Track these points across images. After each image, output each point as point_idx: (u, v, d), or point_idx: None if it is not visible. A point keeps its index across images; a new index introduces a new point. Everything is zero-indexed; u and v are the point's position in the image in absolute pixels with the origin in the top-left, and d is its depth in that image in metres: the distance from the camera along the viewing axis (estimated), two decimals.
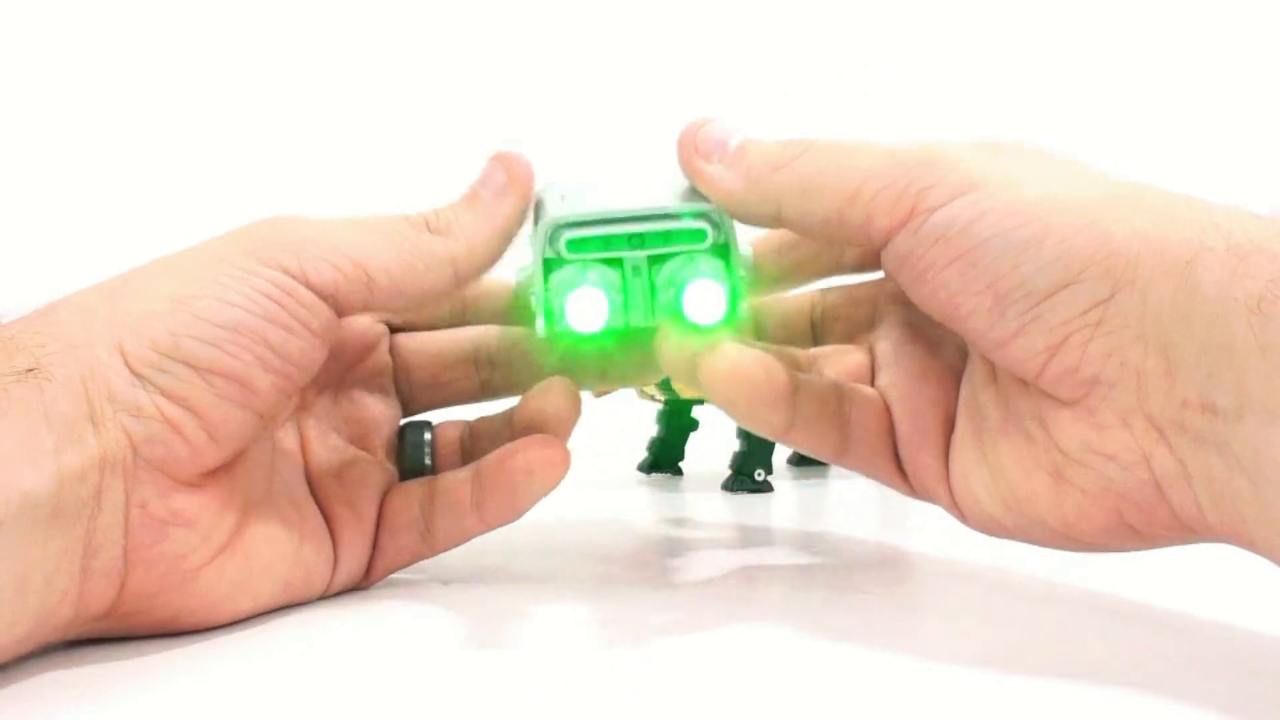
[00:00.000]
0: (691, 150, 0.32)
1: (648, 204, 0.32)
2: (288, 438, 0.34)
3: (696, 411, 0.58)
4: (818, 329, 0.37)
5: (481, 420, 0.37)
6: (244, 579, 0.30)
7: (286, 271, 0.29)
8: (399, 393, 0.37)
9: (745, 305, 0.32)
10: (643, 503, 0.53)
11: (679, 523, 0.48)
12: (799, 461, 0.62)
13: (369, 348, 0.36)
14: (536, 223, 0.33)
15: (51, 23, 0.87)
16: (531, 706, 0.25)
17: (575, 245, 0.31)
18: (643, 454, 0.60)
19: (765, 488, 0.53)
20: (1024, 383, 0.29)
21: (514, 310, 0.37)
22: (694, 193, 0.33)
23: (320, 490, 0.34)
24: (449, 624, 0.31)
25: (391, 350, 0.37)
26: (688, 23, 0.89)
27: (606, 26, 0.89)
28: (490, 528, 0.34)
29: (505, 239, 0.33)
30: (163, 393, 0.28)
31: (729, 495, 0.53)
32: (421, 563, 0.35)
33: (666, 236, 0.32)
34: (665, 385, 0.54)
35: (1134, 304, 0.26)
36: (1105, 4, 0.89)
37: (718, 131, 0.32)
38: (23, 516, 0.25)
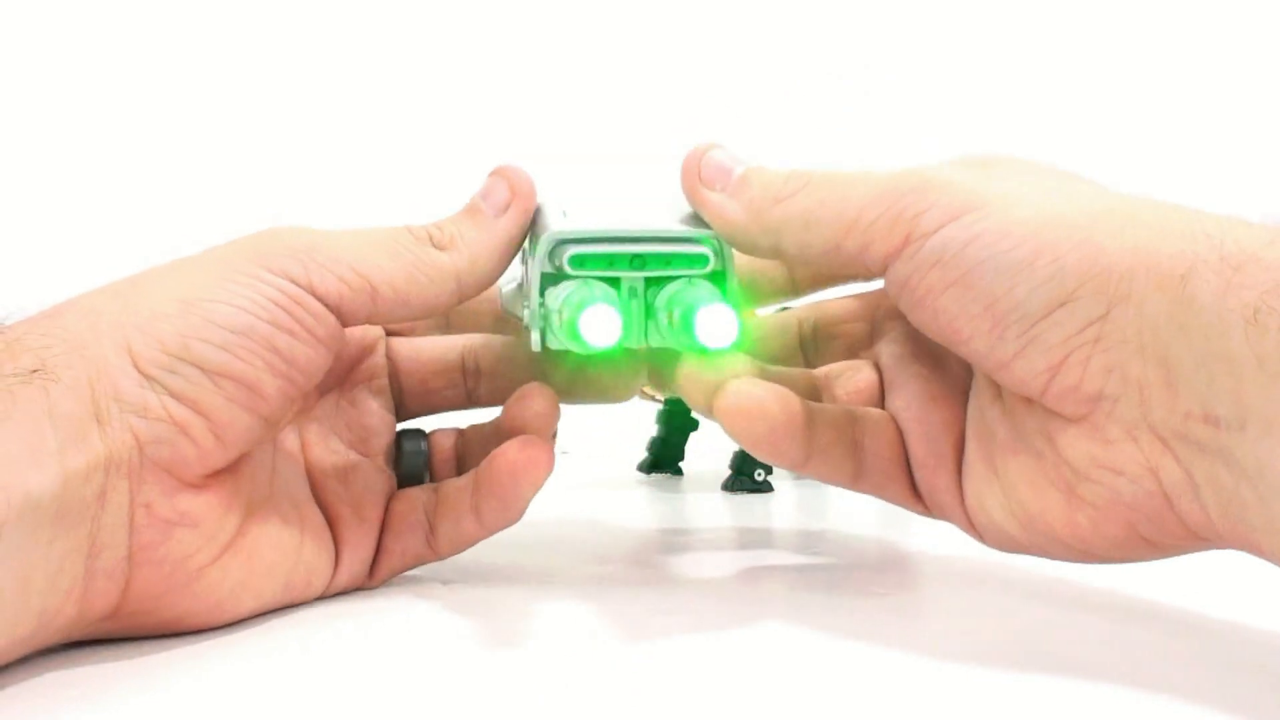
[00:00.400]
0: (695, 177, 0.32)
1: (651, 226, 0.32)
2: (288, 439, 0.34)
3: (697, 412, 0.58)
4: (808, 346, 0.37)
5: (472, 428, 0.38)
6: (247, 579, 0.30)
7: (293, 280, 0.30)
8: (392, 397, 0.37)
9: (745, 330, 0.32)
10: (643, 503, 0.53)
11: (679, 523, 0.48)
12: None
13: (367, 350, 0.37)
14: (533, 236, 0.33)
15: (57, 26, 0.87)
16: (532, 706, 0.25)
17: (577, 262, 0.31)
18: (643, 454, 0.60)
19: (765, 488, 0.53)
20: (1029, 401, 0.29)
21: (498, 320, 0.37)
22: (695, 217, 0.33)
23: (323, 492, 0.34)
24: (450, 623, 0.31)
25: (386, 354, 0.37)
26: (688, 23, 0.89)
27: (606, 26, 0.89)
28: (489, 531, 0.34)
29: (508, 253, 0.33)
30: (171, 394, 0.28)
31: (729, 495, 0.53)
32: None
33: (667, 260, 0.32)
34: None
35: (1130, 318, 0.26)
36: (1103, 5, 0.89)
37: (722, 159, 0.32)
38: (26, 517, 0.25)
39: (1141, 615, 0.31)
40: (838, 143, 0.87)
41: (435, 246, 0.32)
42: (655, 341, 0.33)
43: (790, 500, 0.53)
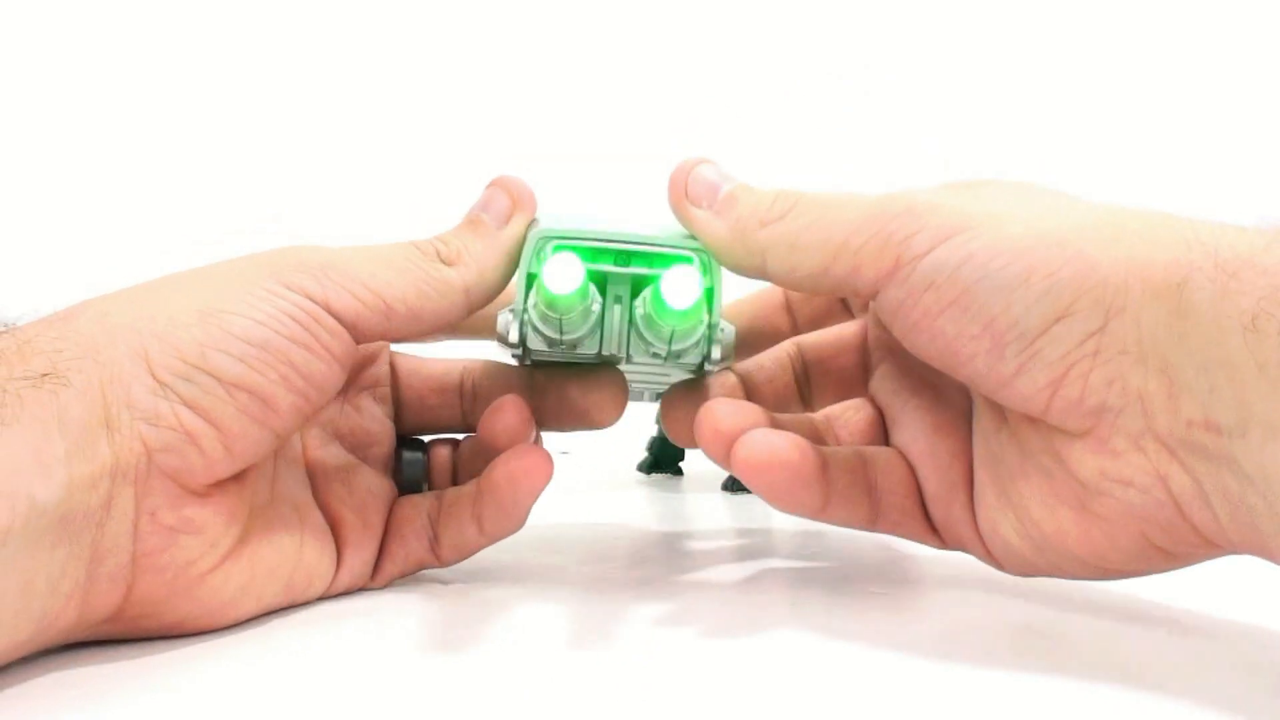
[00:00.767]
0: (681, 192, 0.32)
1: (640, 234, 0.32)
2: (291, 442, 0.35)
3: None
4: (802, 382, 0.37)
5: (468, 439, 0.38)
6: (248, 583, 0.30)
7: (310, 296, 0.30)
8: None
9: (731, 356, 0.32)
10: (643, 503, 0.53)
11: (679, 523, 0.48)
12: None
13: (371, 357, 0.37)
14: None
15: (60, 28, 0.87)
16: (531, 705, 0.25)
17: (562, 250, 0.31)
18: (643, 454, 0.60)
19: None
20: (1033, 420, 0.29)
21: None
22: (688, 235, 0.33)
23: (325, 495, 0.34)
24: (449, 623, 0.31)
25: (389, 364, 0.38)
26: (688, 23, 0.89)
27: (606, 26, 0.89)
28: (491, 539, 0.34)
29: (513, 263, 0.33)
30: (184, 403, 0.28)
31: (729, 495, 0.53)
32: None
33: (651, 259, 0.32)
34: None
35: (1129, 329, 0.26)
36: (1101, 7, 0.89)
37: (709, 175, 0.32)
38: (31, 524, 0.25)
39: (1143, 615, 0.31)
40: (837, 143, 0.87)
41: (443, 262, 0.32)
42: (637, 353, 0.33)
43: None
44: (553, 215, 0.34)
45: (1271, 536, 0.25)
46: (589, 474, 0.58)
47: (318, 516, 0.34)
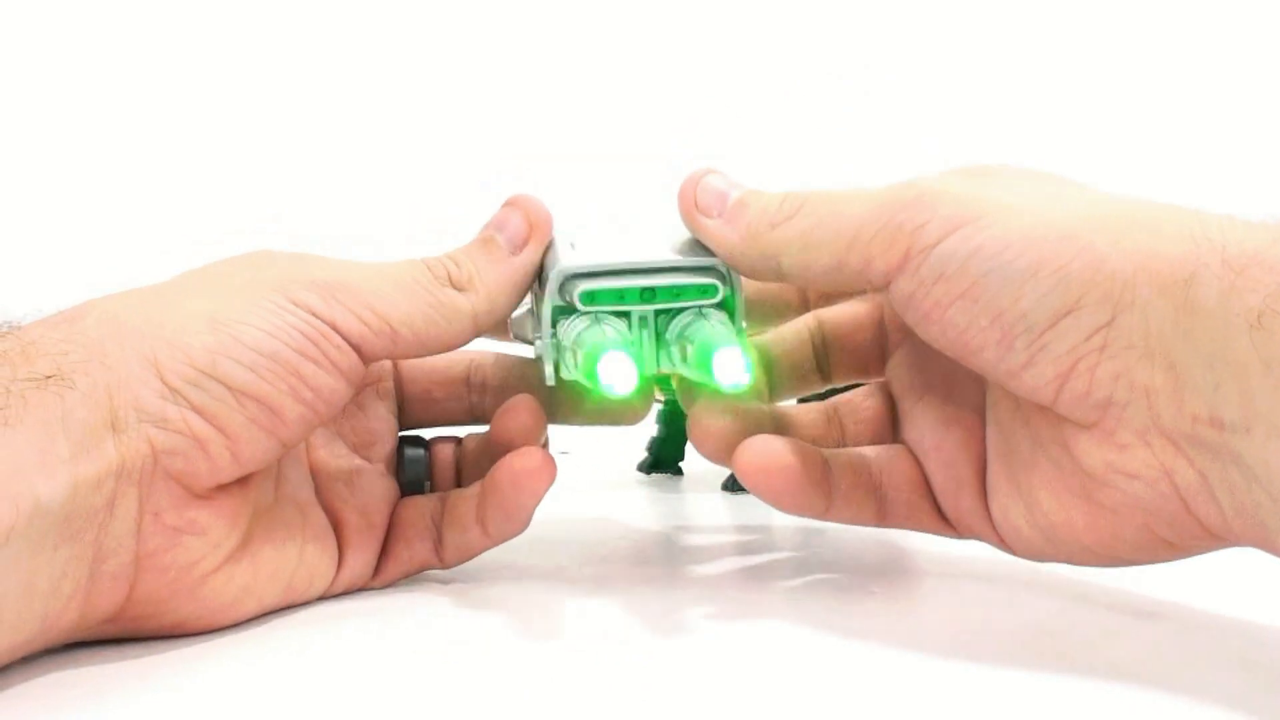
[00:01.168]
0: (691, 204, 0.33)
1: (659, 258, 0.32)
2: None
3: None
4: (821, 357, 0.37)
5: (470, 438, 0.38)
6: (250, 584, 0.30)
7: (317, 315, 0.30)
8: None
9: (755, 370, 0.32)
10: (643, 503, 0.53)
11: (679, 523, 0.48)
12: None
13: None
14: (542, 268, 0.33)
15: (61, 29, 0.87)
16: (531, 705, 0.25)
17: (587, 298, 0.32)
18: (643, 454, 0.60)
19: None
20: (1045, 409, 0.29)
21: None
22: (699, 244, 0.33)
23: (328, 494, 0.34)
24: (449, 622, 0.31)
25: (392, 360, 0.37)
26: (689, 23, 0.89)
27: (607, 26, 0.89)
28: (495, 541, 0.34)
29: (524, 289, 0.33)
30: (193, 408, 0.28)
31: (729, 495, 0.53)
32: None
33: (677, 292, 0.32)
34: (665, 385, 0.54)
35: (1136, 324, 0.26)
36: (1101, 6, 0.89)
37: (717, 185, 0.32)
38: (34, 524, 0.25)
39: (1146, 612, 0.31)
40: (838, 143, 0.87)
41: (454, 286, 0.32)
42: (667, 368, 0.33)
43: None
44: (566, 235, 0.34)
45: (1276, 531, 0.25)
46: (589, 474, 0.58)
47: (320, 517, 0.34)
